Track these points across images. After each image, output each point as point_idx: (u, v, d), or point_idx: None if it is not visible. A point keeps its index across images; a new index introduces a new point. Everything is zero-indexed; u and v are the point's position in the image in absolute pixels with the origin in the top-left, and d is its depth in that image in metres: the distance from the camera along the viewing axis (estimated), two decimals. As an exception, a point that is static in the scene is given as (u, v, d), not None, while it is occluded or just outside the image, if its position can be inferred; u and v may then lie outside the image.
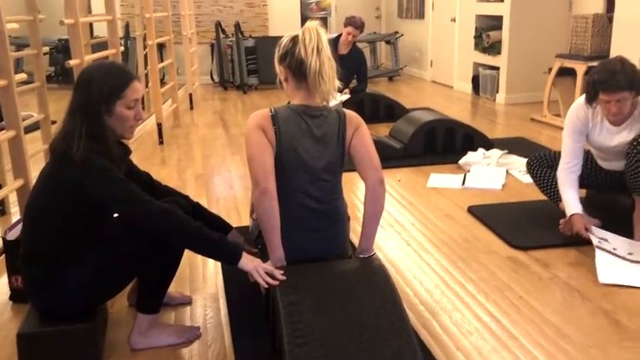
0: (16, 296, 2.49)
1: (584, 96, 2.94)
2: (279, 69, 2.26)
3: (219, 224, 2.43)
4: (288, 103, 2.35)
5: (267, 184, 2.09)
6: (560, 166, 3.08)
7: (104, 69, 2.09)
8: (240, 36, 8.32)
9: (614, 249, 2.79)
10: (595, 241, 2.83)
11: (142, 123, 5.54)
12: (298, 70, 2.17)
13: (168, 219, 1.98)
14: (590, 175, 3.15)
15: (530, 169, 3.32)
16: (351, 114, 2.27)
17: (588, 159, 3.15)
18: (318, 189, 2.22)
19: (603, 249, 2.79)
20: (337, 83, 2.21)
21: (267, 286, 2.02)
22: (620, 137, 2.92)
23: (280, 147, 2.16)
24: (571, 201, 2.99)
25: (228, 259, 2.05)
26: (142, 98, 2.16)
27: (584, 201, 3.05)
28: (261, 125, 2.15)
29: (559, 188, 3.09)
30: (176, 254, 2.15)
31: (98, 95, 1.99)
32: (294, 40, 2.19)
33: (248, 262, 2.04)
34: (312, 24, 2.19)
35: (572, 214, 2.95)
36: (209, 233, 2.02)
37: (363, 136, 2.24)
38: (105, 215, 2.12)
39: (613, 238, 2.90)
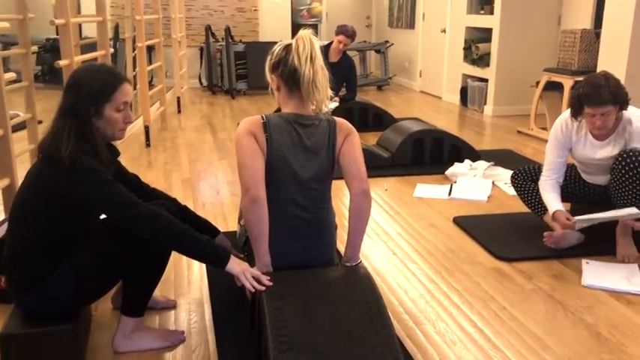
0: (-1, 296, 2.47)
1: (568, 110, 2.98)
2: (270, 77, 2.25)
3: (206, 228, 2.43)
4: (277, 110, 2.35)
5: (258, 192, 2.07)
6: (541, 177, 3.13)
7: (94, 71, 2.08)
8: (230, 40, 8.32)
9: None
10: (581, 221, 2.87)
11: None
12: (291, 79, 2.17)
13: (156, 222, 1.97)
14: (574, 189, 3.19)
15: (515, 182, 3.35)
16: (341, 122, 2.27)
17: (572, 172, 3.19)
18: (306, 198, 2.21)
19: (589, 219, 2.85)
20: (329, 92, 2.21)
21: (253, 290, 2.02)
22: (604, 152, 2.96)
23: (271, 155, 2.15)
24: (552, 201, 3.04)
25: (216, 261, 2.04)
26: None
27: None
28: (252, 131, 2.14)
29: (541, 195, 3.13)
30: (162, 258, 2.15)
31: (86, 97, 1.99)
32: (287, 48, 2.18)
33: (236, 266, 2.04)
34: (305, 32, 2.18)
35: (555, 211, 2.99)
36: (197, 236, 2.01)
37: (352, 144, 2.23)
38: (92, 217, 2.11)
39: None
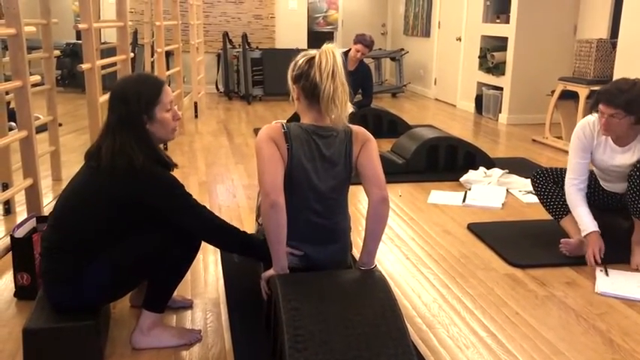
0: (20, 293, 2.52)
1: (590, 115, 3.01)
2: (292, 87, 2.28)
3: None
4: (293, 115, 2.38)
5: (278, 198, 2.10)
6: (566, 182, 3.10)
7: (134, 81, 2.20)
8: (246, 47, 8.40)
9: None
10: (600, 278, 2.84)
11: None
12: (311, 94, 2.20)
13: (223, 235, 2.22)
14: (592, 195, 3.18)
15: (535, 183, 3.32)
16: (357, 130, 2.30)
17: (591, 179, 3.18)
18: (323, 206, 2.24)
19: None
20: (350, 107, 2.25)
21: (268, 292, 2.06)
22: (624, 158, 2.96)
23: (291, 165, 2.18)
24: (586, 218, 2.99)
25: (266, 261, 2.25)
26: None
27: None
28: (274, 138, 2.17)
29: (569, 205, 3.09)
30: (189, 257, 2.22)
31: (137, 106, 2.08)
32: (310, 62, 2.20)
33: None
34: (329, 47, 2.19)
35: (590, 232, 2.95)
36: (253, 241, 2.30)
37: (370, 151, 2.26)
38: (142, 220, 2.15)
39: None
